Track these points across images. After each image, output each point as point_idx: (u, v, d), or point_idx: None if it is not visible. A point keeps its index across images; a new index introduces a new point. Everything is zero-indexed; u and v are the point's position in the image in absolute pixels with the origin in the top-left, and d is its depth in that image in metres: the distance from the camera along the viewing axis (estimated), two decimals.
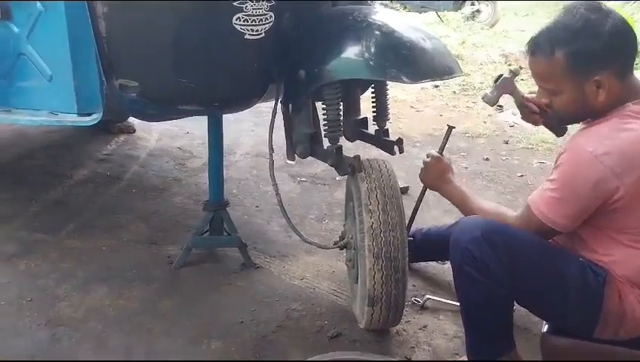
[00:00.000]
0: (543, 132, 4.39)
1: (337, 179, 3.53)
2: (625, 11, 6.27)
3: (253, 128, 4.47)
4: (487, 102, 2.28)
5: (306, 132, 2.28)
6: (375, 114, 2.43)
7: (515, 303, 1.83)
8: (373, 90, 2.43)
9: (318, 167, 3.67)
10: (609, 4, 1.77)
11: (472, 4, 10.37)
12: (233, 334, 2.19)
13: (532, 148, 4.37)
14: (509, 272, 1.70)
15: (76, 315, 2.26)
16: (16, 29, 2.65)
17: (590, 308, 1.71)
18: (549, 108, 1.78)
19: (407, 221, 2.20)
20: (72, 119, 2.60)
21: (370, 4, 2.40)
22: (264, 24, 2.11)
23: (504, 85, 2.20)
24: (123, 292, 2.41)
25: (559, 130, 2.21)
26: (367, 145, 2.53)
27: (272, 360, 2.08)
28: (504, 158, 4.16)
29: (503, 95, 2.26)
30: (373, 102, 2.43)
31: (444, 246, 1.91)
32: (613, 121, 1.67)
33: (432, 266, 2.66)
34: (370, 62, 2.00)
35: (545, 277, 1.74)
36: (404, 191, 3.30)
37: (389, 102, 2.45)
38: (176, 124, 4.24)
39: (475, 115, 5.20)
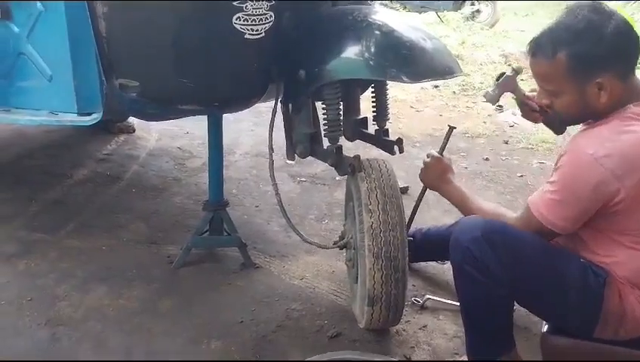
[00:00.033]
0: (542, 132, 4.40)
1: (337, 178, 3.53)
2: (625, 11, 6.27)
3: (253, 128, 4.46)
4: (488, 101, 2.27)
5: (305, 132, 2.28)
6: (375, 114, 2.43)
7: (515, 303, 1.83)
8: (373, 89, 2.43)
9: (317, 166, 3.67)
10: (610, 5, 1.76)
11: (472, 4, 10.36)
12: (233, 334, 2.19)
13: (532, 148, 4.37)
14: (509, 272, 1.70)
15: (76, 315, 2.26)
16: (16, 29, 2.65)
17: (590, 308, 1.71)
18: (550, 109, 1.78)
19: (406, 221, 2.20)
20: (72, 119, 2.60)
21: (370, 4, 2.39)
22: (264, 24, 2.11)
23: (506, 83, 2.20)
24: (123, 292, 2.41)
25: (559, 129, 2.21)
26: (367, 145, 2.54)
27: (271, 359, 2.08)
28: (504, 158, 4.16)
29: (504, 94, 2.26)
30: (373, 102, 2.43)
31: (444, 246, 1.91)
32: (614, 122, 1.67)
33: (431, 266, 2.66)
34: (370, 62, 2.00)
35: (545, 277, 1.74)
36: (404, 191, 3.30)
37: (388, 102, 2.45)
38: (176, 123, 4.23)
39: (475, 115, 5.20)
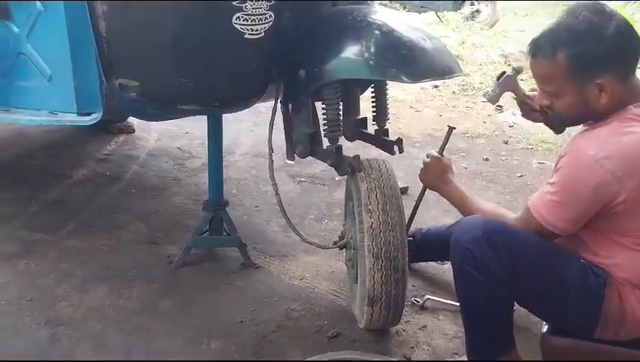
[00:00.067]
0: (542, 132, 4.40)
1: (337, 179, 3.53)
2: (625, 11, 6.26)
3: (253, 128, 4.46)
4: (488, 100, 2.26)
5: (305, 132, 2.28)
6: (375, 114, 2.43)
7: (514, 303, 1.83)
8: (372, 89, 2.43)
9: (317, 166, 3.67)
10: (610, 5, 1.76)
11: (472, 4, 10.36)
12: (233, 334, 2.19)
13: (532, 148, 4.37)
14: (509, 272, 1.70)
15: (76, 315, 2.26)
16: (16, 29, 2.65)
17: (590, 309, 1.71)
18: (550, 110, 1.77)
19: (406, 221, 2.20)
20: (72, 119, 2.60)
21: (369, 4, 2.39)
22: (264, 24, 2.11)
23: (507, 83, 2.19)
24: (123, 292, 2.41)
25: (558, 128, 2.20)
26: (367, 145, 2.53)
27: (271, 359, 2.08)
28: (504, 158, 4.16)
29: (504, 94, 2.26)
30: (372, 102, 2.43)
31: (443, 246, 1.91)
32: (614, 124, 1.66)
33: (431, 266, 2.66)
34: (370, 62, 2.00)
35: (545, 277, 1.74)
36: (404, 191, 3.30)
37: (388, 102, 2.45)
38: (175, 123, 4.23)
39: (475, 115, 5.20)
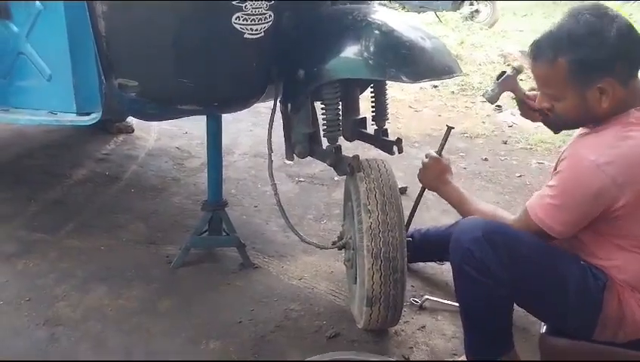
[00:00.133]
0: (541, 132, 4.41)
1: (336, 179, 3.53)
2: (624, 11, 6.26)
3: (252, 128, 4.46)
4: (488, 100, 2.26)
5: (304, 132, 2.28)
6: (374, 114, 2.43)
7: (514, 304, 1.83)
8: (372, 89, 2.43)
9: (316, 166, 3.67)
10: (610, 4, 1.75)
11: (471, 4, 10.35)
12: (232, 334, 2.19)
13: (531, 148, 4.37)
14: (509, 273, 1.70)
15: (75, 315, 2.26)
16: (15, 28, 2.65)
17: (589, 311, 1.71)
18: (551, 112, 1.77)
19: (405, 221, 2.20)
20: (71, 118, 2.60)
21: (369, 4, 2.39)
22: (263, 23, 2.11)
23: (506, 82, 2.19)
24: (122, 292, 2.41)
25: (557, 128, 2.20)
26: (366, 145, 2.53)
27: (270, 360, 2.08)
28: (503, 159, 4.17)
29: (503, 94, 2.25)
30: (372, 101, 2.43)
31: (442, 246, 1.91)
32: (616, 128, 1.65)
33: (430, 266, 2.66)
34: (370, 62, 2.00)
35: (545, 278, 1.73)
36: (403, 191, 3.30)
37: (387, 101, 2.45)
38: (174, 123, 4.24)
39: (474, 115, 5.20)
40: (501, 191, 3.59)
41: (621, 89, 1.64)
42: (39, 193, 3.26)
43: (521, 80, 2.27)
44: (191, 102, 2.30)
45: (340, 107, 2.22)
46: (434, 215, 3.14)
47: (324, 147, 2.27)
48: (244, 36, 2.09)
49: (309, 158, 2.36)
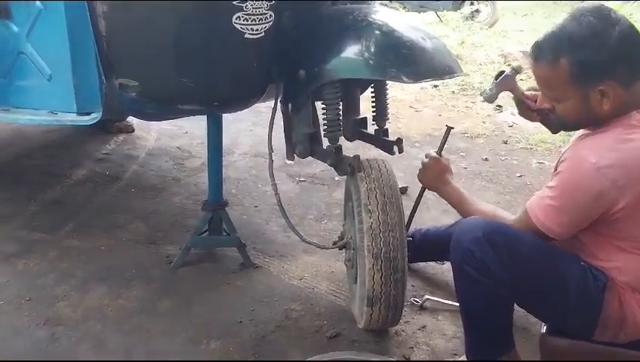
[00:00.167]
0: (542, 132, 4.40)
1: (336, 178, 3.53)
2: (624, 11, 6.26)
3: (252, 128, 4.46)
4: (486, 99, 2.25)
5: (305, 132, 2.28)
6: (374, 114, 2.43)
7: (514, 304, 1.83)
8: (372, 89, 2.43)
9: (317, 166, 3.67)
10: (610, 4, 1.75)
11: (472, 4, 10.36)
12: (232, 334, 2.19)
13: (531, 148, 4.37)
14: (509, 273, 1.70)
15: (75, 315, 2.26)
16: (15, 28, 2.65)
17: (589, 312, 1.71)
18: (552, 113, 1.77)
19: (406, 221, 2.20)
20: (71, 118, 2.59)
21: (369, 4, 2.39)
22: (264, 23, 2.11)
23: (505, 82, 2.18)
24: (122, 292, 2.41)
25: (556, 128, 2.20)
26: (367, 145, 2.53)
27: (270, 360, 2.08)
28: (503, 158, 4.16)
29: (503, 93, 2.25)
30: (372, 101, 2.43)
31: (443, 246, 1.91)
32: (617, 130, 1.64)
33: (431, 266, 2.66)
34: (370, 62, 2.00)
35: (545, 278, 1.73)
36: (404, 191, 3.30)
37: (388, 101, 2.44)
38: (175, 123, 4.24)
39: (474, 115, 5.20)
40: (501, 191, 3.59)
41: (622, 91, 1.63)
42: (39, 193, 3.26)
43: (521, 80, 2.27)
44: (191, 102, 2.30)
45: (341, 107, 2.21)
46: (434, 215, 3.14)
47: (324, 147, 2.27)
48: (245, 36, 2.09)
49: (309, 158, 2.36)
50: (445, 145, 2.28)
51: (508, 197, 3.50)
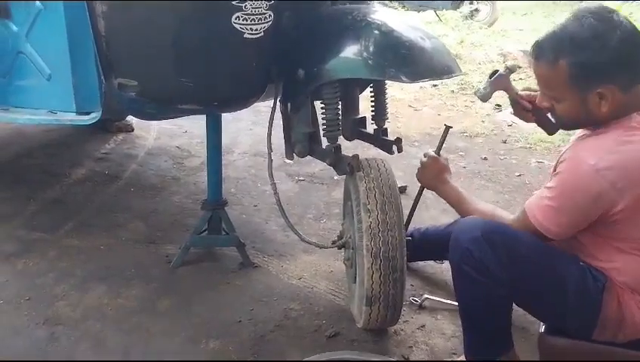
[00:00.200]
0: (541, 132, 4.36)
1: (335, 178, 3.53)
2: (624, 11, 6.26)
3: (252, 127, 4.47)
4: (480, 98, 2.25)
5: (304, 131, 2.28)
6: (374, 113, 2.43)
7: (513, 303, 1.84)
8: (371, 89, 2.43)
9: (316, 166, 3.67)
10: (610, 4, 1.74)
11: (471, 3, 10.35)
12: (231, 333, 2.19)
13: (530, 147, 4.37)
14: (508, 272, 1.70)
15: (74, 314, 2.27)
16: (15, 28, 2.65)
17: (588, 312, 1.71)
18: (552, 112, 1.77)
19: (405, 220, 2.20)
20: (71, 118, 2.59)
21: (369, 4, 2.39)
22: (263, 23, 2.11)
23: (499, 81, 2.18)
24: (121, 292, 2.41)
25: (551, 129, 2.20)
26: (366, 144, 2.53)
27: (270, 359, 2.08)
28: (502, 158, 4.17)
29: (502, 93, 2.25)
30: (371, 101, 2.43)
31: (442, 245, 1.91)
32: (617, 132, 1.64)
33: (430, 266, 2.66)
34: (370, 62, 2.00)
35: (544, 278, 1.73)
36: (403, 190, 3.30)
37: (387, 101, 2.45)
38: (174, 123, 4.24)
39: (474, 114, 5.20)
40: (500, 191, 3.59)
41: (621, 95, 1.62)
42: (38, 192, 3.26)
43: (520, 79, 2.27)
44: (191, 101, 2.30)
45: (340, 107, 2.22)
46: (433, 214, 3.14)
47: (323, 146, 2.27)
48: (244, 36, 2.09)
49: (308, 157, 2.36)
50: (444, 145, 2.28)
51: (507, 196, 3.50)
